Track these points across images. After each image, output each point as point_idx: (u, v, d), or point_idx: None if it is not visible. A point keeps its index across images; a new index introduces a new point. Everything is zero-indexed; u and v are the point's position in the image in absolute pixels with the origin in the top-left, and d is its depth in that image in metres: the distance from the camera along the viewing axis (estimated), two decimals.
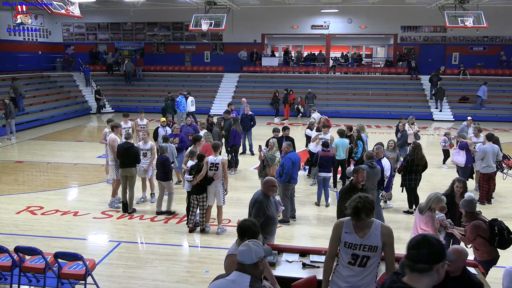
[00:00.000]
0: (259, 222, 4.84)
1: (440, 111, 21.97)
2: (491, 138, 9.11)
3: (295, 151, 8.38)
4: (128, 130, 10.09)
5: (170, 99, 18.56)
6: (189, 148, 8.45)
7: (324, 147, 8.97)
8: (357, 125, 10.65)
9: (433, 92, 22.21)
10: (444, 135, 11.62)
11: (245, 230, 3.59)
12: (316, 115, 13.30)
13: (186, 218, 7.84)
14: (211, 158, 7.37)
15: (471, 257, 5.31)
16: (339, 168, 10.12)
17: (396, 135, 12.20)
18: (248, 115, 12.95)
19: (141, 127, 11.39)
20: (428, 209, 5.32)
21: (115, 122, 9.54)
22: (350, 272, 3.60)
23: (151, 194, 9.25)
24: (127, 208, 8.49)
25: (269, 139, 9.10)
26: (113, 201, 8.87)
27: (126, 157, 8.31)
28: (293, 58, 27.45)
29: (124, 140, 8.62)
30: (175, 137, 10.11)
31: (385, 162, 7.80)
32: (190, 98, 18.48)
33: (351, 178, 6.11)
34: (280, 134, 10.08)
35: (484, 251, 5.06)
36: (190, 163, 7.69)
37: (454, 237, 5.62)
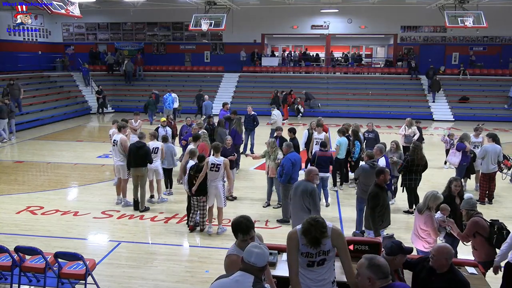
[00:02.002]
0: (320, 209, 5.92)
1: (433, 101, 22.32)
2: (494, 138, 9.10)
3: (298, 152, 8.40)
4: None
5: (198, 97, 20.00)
6: (189, 147, 8.47)
7: (322, 147, 8.94)
8: (353, 125, 10.59)
9: (429, 84, 22.66)
10: (448, 135, 11.17)
11: (237, 225, 3.54)
12: (276, 112, 13.37)
13: (186, 218, 7.84)
14: (211, 159, 7.34)
15: (470, 257, 5.33)
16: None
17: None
18: (251, 115, 12.93)
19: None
20: (426, 208, 5.33)
21: (121, 123, 9.50)
22: (310, 271, 3.67)
23: (151, 196, 9.16)
24: (138, 206, 8.51)
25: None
26: (122, 200, 8.89)
27: (138, 156, 8.30)
28: (314, 58, 27.49)
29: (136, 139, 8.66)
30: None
31: (381, 162, 7.73)
32: (173, 95, 19.34)
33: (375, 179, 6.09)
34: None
35: (482, 251, 5.05)
36: (191, 163, 7.67)
37: (455, 238, 5.60)
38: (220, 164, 7.27)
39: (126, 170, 8.74)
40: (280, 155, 8.49)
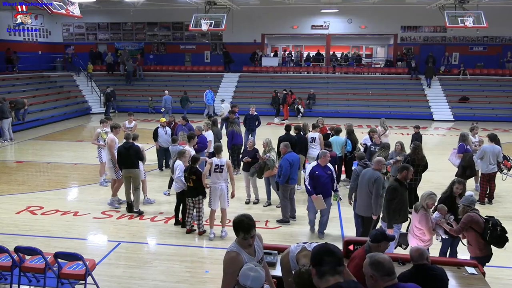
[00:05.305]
0: (382, 195, 6.25)
1: (430, 87, 22.99)
2: (493, 138, 9.10)
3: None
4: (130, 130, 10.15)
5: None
6: (186, 146, 8.51)
7: (326, 146, 8.96)
8: (346, 124, 10.53)
9: (424, 71, 23.23)
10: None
11: (239, 224, 3.53)
12: (224, 105, 13.26)
13: (174, 218, 7.83)
14: (215, 160, 7.25)
15: (467, 256, 5.33)
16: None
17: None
18: (254, 115, 12.93)
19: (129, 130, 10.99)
20: (421, 207, 5.42)
21: (114, 123, 9.48)
22: None
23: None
24: (131, 209, 8.47)
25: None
26: (113, 201, 8.83)
27: (127, 157, 8.26)
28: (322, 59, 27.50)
29: (124, 141, 8.58)
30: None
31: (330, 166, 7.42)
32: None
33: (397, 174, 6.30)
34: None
35: (476, 247, 5.10)
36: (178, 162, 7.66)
37: (456, 238, 5.62)
38: (223, 165, 7.20)
39: (113, 170, 8.79)
40: (272, 156, 8.49)
